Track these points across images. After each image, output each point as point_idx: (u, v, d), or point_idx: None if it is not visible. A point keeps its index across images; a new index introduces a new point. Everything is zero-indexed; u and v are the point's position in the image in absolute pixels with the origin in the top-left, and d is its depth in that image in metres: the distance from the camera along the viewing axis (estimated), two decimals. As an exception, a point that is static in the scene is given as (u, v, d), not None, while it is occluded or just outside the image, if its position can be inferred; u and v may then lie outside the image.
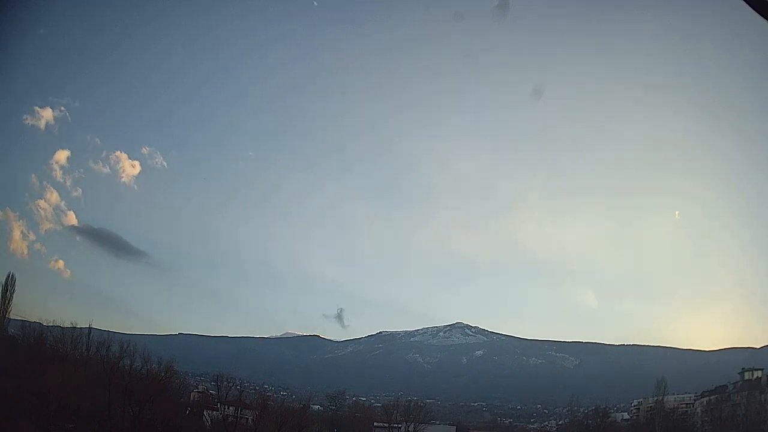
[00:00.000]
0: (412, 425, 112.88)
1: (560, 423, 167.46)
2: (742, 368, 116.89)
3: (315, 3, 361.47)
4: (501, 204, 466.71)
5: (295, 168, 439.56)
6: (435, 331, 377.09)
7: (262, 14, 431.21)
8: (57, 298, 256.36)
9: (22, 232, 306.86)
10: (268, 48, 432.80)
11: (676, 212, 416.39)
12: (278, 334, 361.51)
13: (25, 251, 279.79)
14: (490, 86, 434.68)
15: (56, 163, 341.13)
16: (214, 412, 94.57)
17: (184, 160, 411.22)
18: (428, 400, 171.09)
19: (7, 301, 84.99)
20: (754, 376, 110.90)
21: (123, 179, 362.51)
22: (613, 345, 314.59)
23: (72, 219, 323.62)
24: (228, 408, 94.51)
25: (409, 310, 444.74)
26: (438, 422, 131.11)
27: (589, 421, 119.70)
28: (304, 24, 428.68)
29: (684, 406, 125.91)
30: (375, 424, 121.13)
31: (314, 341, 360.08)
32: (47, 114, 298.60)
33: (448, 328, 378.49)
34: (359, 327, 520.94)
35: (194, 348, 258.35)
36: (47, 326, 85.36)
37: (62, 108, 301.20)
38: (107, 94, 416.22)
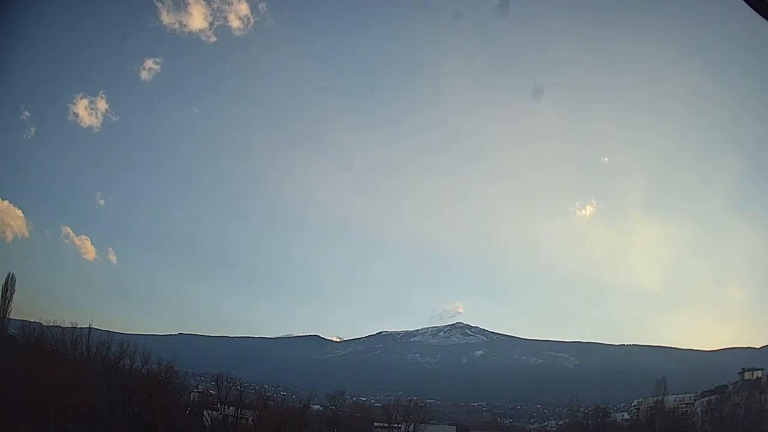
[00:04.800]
0: (412, 425, 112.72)
1: (560, 423, 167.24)
2: (742, 368, 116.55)
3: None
4: (502, 203, 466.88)
5: (297, 168, 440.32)
6: (435, 331, 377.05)
7: (261, 15, 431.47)
8: (57, 298, 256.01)
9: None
10: (268, 47, 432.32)
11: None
12: (278, 334, 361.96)
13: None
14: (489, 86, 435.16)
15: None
16: (214, 412, 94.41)
17: (193, 161, 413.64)
18: (428, 400, 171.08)
19: (7, 301, 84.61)
20: (754, 376, 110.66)
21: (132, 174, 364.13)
22: (613, 345, 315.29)
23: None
24: (228, 408, 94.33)
25: (409, 310, 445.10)
26: (438, 422, 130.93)
27: (589, 421, 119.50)
28: (298, 22, 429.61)
29: (684, 406, 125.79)
30: (375, 424, 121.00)
31: (314, 341, 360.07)
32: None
33: (448, 328, 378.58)
34: (359, 327, 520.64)
35: (194, 348, 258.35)
36: (47, 326, 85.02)
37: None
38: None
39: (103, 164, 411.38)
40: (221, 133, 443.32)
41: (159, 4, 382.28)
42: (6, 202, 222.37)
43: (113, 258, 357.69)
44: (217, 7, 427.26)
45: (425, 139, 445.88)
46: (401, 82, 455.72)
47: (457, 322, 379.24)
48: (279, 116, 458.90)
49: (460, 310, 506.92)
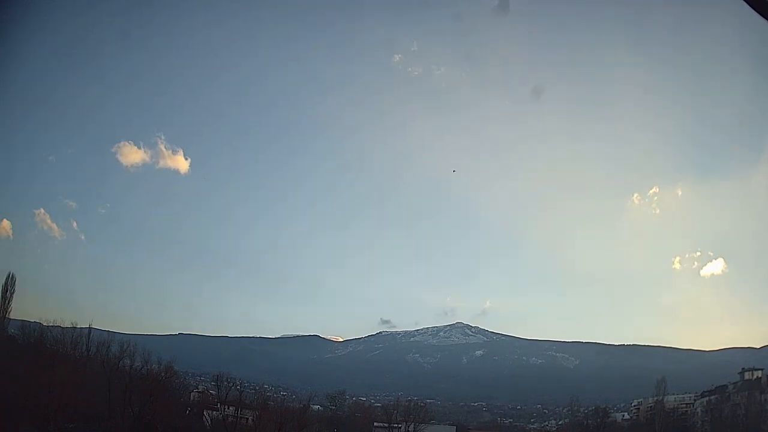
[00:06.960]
0: (412, 425, 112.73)
1: (560, 423, 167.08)
2: (742, 368, 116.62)
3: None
4: (502, 204, 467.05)
5: (296, 170, 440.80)
6: (435, 331, 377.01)
7: (260, 13, 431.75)
8: (57, 298, 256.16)
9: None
10: (267, 47, 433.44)
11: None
12: (278, 334, 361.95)
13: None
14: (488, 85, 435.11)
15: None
16: (214, 412, 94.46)
17: (196, 159, 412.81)
18: (428, 400, 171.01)
19: (7, 301, 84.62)
20: (754, 376, 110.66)
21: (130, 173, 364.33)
22: (613, 345, 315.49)
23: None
24: (228, 408, 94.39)
25: (409, 310, 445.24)
26: (438, 422, 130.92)
27: (589, 421, 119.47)
28: (301, 22, 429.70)
29: (684, 406, 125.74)
30: (375, 424, 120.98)
31: (314, 341, 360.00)
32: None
33: (448, 328, 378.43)
34: (359, 327, 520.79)
35: (194, 348, 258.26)
36: (47, 326, 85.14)
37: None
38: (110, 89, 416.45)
39: (100, 162, 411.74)
40: (221, 133, 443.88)
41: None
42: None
43: (111, 256, 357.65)
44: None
45: (425, 137, 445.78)
46: (404, 81, 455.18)
47: (457, 322, 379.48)
48: (279, 112, 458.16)
49: (461, 303, 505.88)
